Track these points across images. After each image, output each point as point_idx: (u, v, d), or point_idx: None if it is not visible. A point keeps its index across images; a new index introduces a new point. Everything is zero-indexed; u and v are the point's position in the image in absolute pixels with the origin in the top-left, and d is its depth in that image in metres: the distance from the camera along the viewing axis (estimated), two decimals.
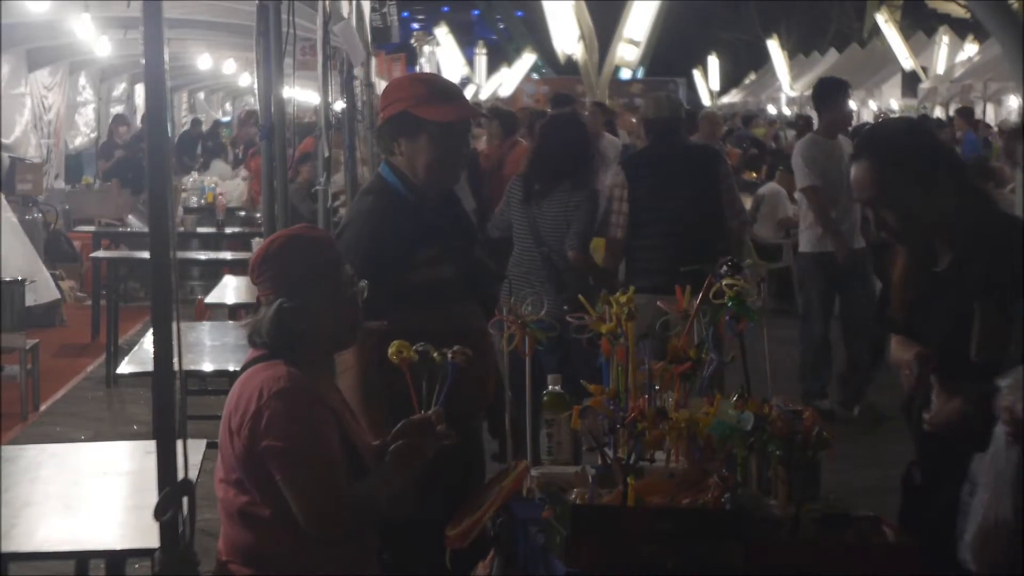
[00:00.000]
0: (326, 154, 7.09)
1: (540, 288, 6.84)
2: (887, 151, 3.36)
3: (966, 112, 21.40)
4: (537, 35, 35.36)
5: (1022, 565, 2.81)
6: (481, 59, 38.82)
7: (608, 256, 7.37)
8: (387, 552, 3.64)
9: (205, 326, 8.31)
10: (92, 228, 14.18)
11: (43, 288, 11.81)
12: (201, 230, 13.02)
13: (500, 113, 12.60)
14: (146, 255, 4.38)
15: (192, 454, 3.33)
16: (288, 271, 3.38)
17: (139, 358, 6.26)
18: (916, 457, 3.48)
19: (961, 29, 28.75)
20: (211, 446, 4.48)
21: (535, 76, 38.44)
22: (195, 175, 16.98)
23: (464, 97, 4.32)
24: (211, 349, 7.13)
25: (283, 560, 3.30)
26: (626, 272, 7.36)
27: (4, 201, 11.87)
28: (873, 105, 28.76)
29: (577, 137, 7.37)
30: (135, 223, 14.52)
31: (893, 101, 28.26)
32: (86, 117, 18.51)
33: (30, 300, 10.57)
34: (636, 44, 24.62)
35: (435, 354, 3.50)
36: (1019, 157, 9.62)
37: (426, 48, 26.21)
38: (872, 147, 3.41)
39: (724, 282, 3.85)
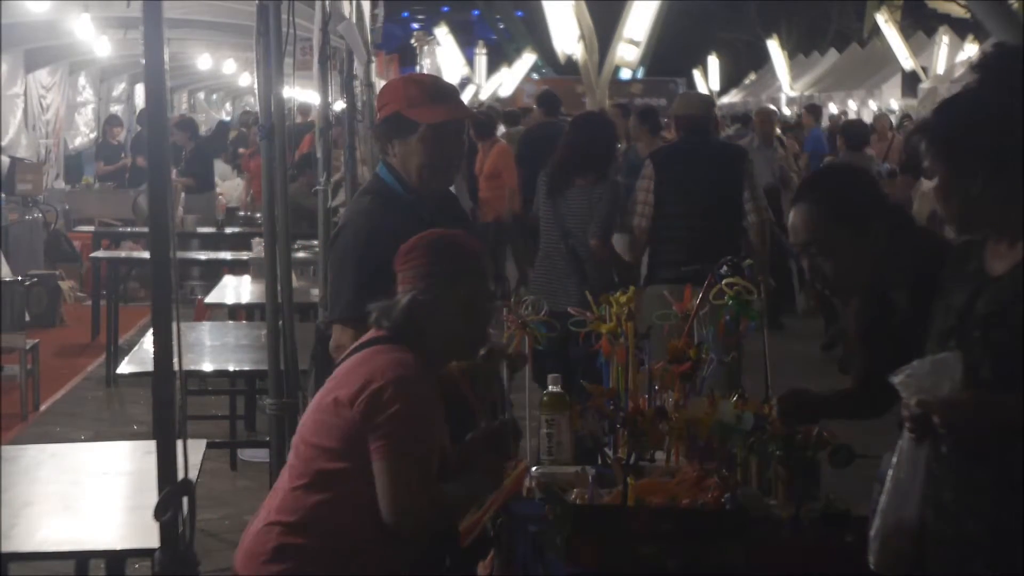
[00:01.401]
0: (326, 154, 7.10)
1: (565, 280, 7.03)
2: (826, 198, 3.32)
3: (814, 109, 21.64)
4: (537, 35, 35.33)
5: (923, 565, 2.81)
6: (481, 59, 38.77)
7: (630, 249, 7.52)
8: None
9: (205, 326, 8.32)
10: (92, 228, 14.16)
11: None
12: (201, 230, 13.02)
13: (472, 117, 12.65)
14: (146, 255, 4.37)
15: (192, 454, 3.32)
16: (433, 266, 3.39)
17: (139, 358, 6.26)
18: None
19: (961, 29, 28.74)
20: (211, 446, 4.49)
21: (535, 76, 38.42)
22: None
23: (458, 98, 4.30)
24: (211, 349, 7.14)
25: (342, 534, 3.27)
26: (649, 264, 7.51)
27: None
28: (873, 105, 28.75)
29: (604, 134, 7.65)
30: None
31: (893, 101, 28.26)
32: (86, 117, 18.51)
33: None
34: (636, 44, 24.55)
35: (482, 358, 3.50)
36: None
37: (426, 48, 26.18)
38: (811, 193, 3.36)
39: (724, 282, 3.86)
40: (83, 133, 18.38)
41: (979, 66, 2.88)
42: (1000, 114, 2.76)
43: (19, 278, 11.08)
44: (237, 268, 10.87)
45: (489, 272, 3.47)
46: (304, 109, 18.14)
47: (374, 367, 3.27)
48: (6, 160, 13.92)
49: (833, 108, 29.94)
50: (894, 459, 2.85)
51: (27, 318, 12.02)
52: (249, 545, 3.35)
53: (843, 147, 12.38)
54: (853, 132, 12.50)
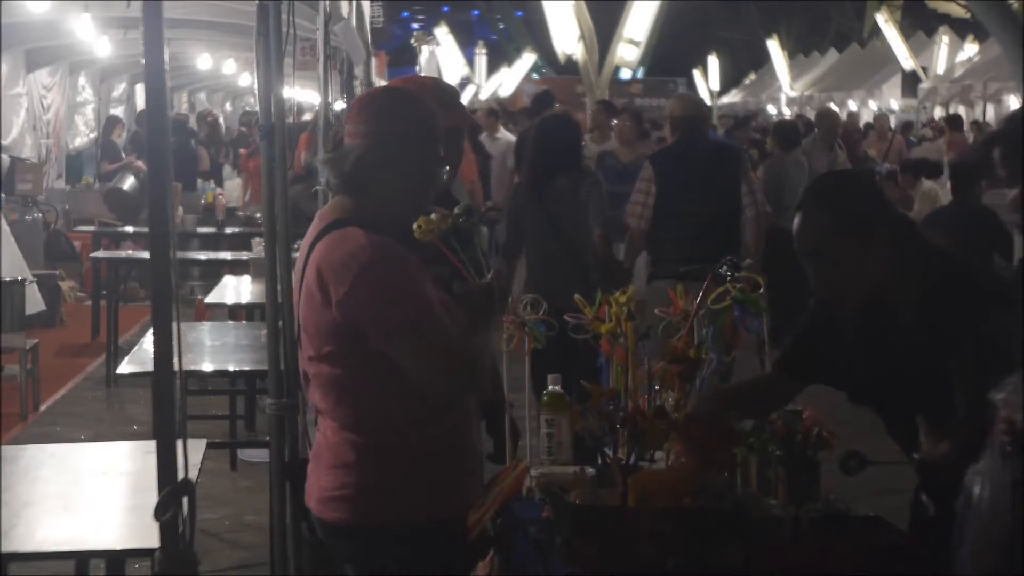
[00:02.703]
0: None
1: (566, 279, 7.01)
2: (830, 207, 3.29)
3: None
4: (537, 35, 35.34)
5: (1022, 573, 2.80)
6: (481, 59, 38.77)
7: (626, 249, 7.56)
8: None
9: (205, 326, 8.31)
10: (92, 228, 14.16)
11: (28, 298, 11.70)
12: (201, 230, 13.01)
13: None
14: (146, 255, 4.37)
15: (192, 454, 3.33)
16: (381, 125, 3.36)
17: (139, 358, 6.26)
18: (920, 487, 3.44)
19: (961, 29, 28.78)
20: (211, 446, 4.48)
21: (535, 76, 38.39)
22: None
23: (457, 100, 4.25)
24: (211, 349, 7.13)
25: (394, 424, 3.29)
26: (650, 263, 7.55)
27: None
28: (873, 105, 28.75)
29: (571, 132, 7.67)
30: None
31: (893, 101, 28.27)
32: (86, 117, 18.49)
33: None
34: (636, 44, 24.58)
35: (459, 216, 3.47)
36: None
37: (426, 48, 26.17)
38: (814, 202, 3.33)
39: (730, 281, 3.84)
40: (83, 133, 18.37)
41: None
42: None
43: (19, 277, 11.06)
44: (237, 268, 10.87)
45: (438, 136, 3.44)
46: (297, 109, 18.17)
47: (339, 265, 3.23)
48: (6, 160, 13.91)
49: (833, 108, 29.95)
50: (978, 475, 2.82)
51: (35, 308, 11.95)
52: (328, 458, 3.36)
53: (776, 149, 11.96)
54: (785, 133, 12.08)
